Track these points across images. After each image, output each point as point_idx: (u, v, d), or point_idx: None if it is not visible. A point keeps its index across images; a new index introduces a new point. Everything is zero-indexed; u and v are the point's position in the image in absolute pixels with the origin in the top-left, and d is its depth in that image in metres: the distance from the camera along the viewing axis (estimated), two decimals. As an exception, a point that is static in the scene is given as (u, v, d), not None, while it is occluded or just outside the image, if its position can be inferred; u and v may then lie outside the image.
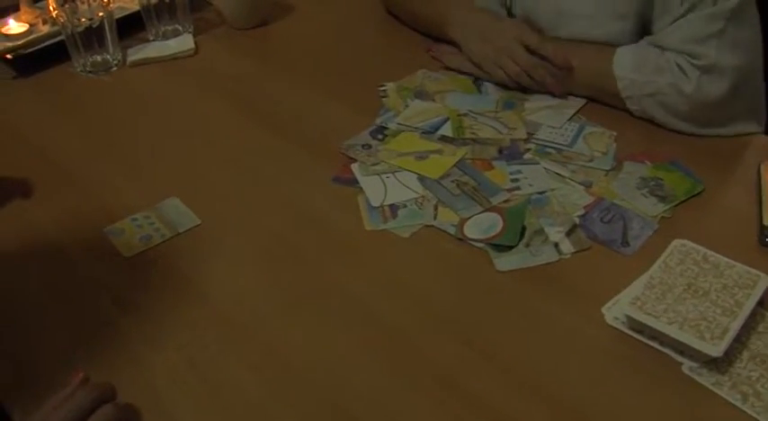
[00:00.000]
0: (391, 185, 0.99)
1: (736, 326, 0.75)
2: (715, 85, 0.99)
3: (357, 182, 1.01)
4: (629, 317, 0.79)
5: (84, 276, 0.89)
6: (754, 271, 0.81)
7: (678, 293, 0.79)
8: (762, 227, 0.89)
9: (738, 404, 0.73)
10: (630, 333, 0.79)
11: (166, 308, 0.85)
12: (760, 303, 0.79)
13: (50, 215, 0.99)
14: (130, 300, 0.86)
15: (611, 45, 1.07)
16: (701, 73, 0.99)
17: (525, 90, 1.15)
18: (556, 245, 0.89)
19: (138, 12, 1.33)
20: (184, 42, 1.32)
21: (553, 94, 1.13)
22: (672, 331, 0.75)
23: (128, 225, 0.96)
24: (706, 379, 0.75)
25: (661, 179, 0.97)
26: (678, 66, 1.01)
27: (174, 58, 1.30)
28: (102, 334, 0.82)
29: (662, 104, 1.03)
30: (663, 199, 0.94)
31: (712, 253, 0.83)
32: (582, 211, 0.93)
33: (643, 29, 1.07)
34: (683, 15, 1.00)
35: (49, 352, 0.80)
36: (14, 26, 1.33)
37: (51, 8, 1.23)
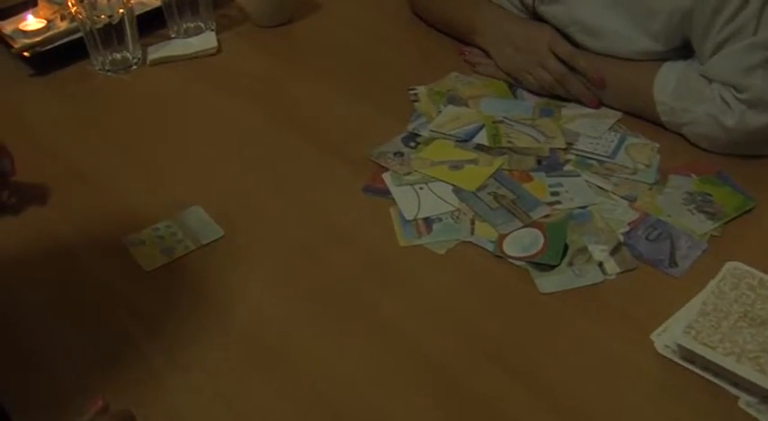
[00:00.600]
0: (425, 197, 0.95)
1: (798, 359, 0.71)
2: (758, 118, 0.94)
3: (389, 193, 0.96)
4: (680, 347, 0.74)
5: (103, 290, 0.85)
6: (815, 298, 0.76)
7: (734, 321, 0.74)
8: (819, 248, 0.84)
9: (800, 443, 0.68)
10: (682, 362, 0.75)
11: (190, 326, 0.81)
12: (820, 332, 0.75)
13: (66, 221, 0.95)
14: (152, 318, 0.82)
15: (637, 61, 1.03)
16: (747, 107, 0.94)
17: (563, 97, 1.10)
18: (600, 264, 0.85)
19: (160, 8, 1.29)
20: (207, 40, 1.28)
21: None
22: (729, 364, 0.71)
23: (148, 235, 0.92)
24: (765, 415, 0.70)
25: (709, 194, 0.93)
26: (722, 98, 0.96)
27: (196, 57, 1.26)
28: (122, 353, 0.78)
29: (700, 134, 0.99)
30: (712, 216, 0.90)
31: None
32: (626, 228, 0.89)
33: (676, 50, 1.02)
34: (723, 41, 0.94)
35: (66, 371, 0.77)
36: (32, 22, 1.29)
37: (70, 4, 1.18)
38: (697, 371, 0.74)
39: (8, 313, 0.83)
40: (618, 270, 0.84)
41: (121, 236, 0.92)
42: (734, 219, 0.90)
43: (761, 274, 0.79)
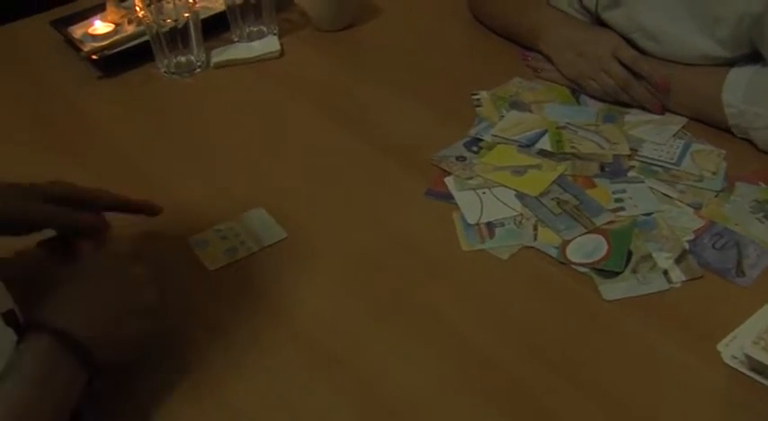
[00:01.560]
0: (488, 202, 0.95)
1: None
2: None
3: (452, 197, 0.96)
4: (749, 358, 0.73)
5: (167, 289, 0.86)
6: None
7: (806, 334, 0.73)
8: None
9: None
10: (751, 374, 0.73)
11: (251, 328, 0.82)
12: None
13: (132, 221, 0.97)
14: (215, 317, 0.83)
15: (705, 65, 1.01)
16: None
17: (626, 103, 1.09)
18: (665, 272, 0.84)
19: (223, 12, 1.31)
20: (270, 44, 1.29)
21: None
22: (801, 376, 0.70)
23: (212, 236, 0.93)
24: (835, 429, 0.69)
25: (779, 203, 0.91)
26: None
27: (259, 61, 1.27)
28: (185, 353, 0.79)
29: None
30: (781, 224, 0.88)
31: (842, 289, 0.77)
32: (692, 236, 0.88)
33: (744, 55, 1.00)
34: None
35: (131, 369, 0.77)
36: (100, 26, 1.32)
37: (138, 8, 1.21)
38: (766, 383, 0.73)
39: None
40: (683, 278, 0.83)
41: (186, 236, 0.94)
42: (804, 228, 0.88)
43: (834, 286, 0.77)
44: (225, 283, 0.88)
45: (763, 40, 0.96)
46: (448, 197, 0.97)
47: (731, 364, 0.75)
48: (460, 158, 1.02)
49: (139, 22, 1.28)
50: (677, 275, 0.83)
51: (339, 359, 0.78)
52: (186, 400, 0.73)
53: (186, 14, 1.21)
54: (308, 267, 0.89)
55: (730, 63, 1.01)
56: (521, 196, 0.95)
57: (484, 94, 1.14)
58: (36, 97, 1.24)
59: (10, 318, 0.72)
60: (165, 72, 1.26)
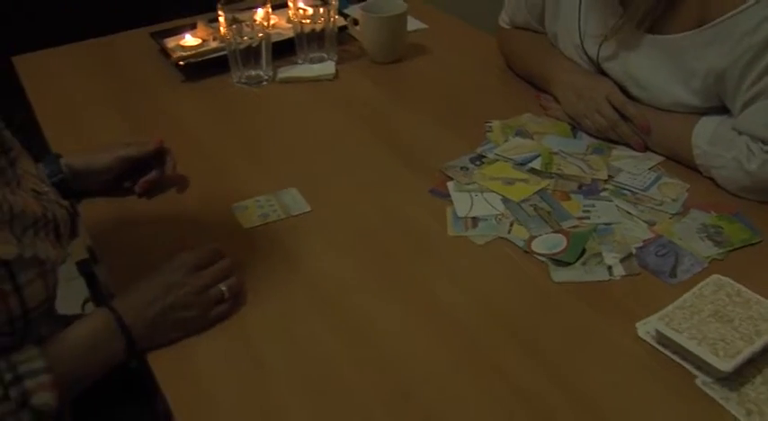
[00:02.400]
0: (477, 202, 1.14)
1: (750, 350, 0.85)
2: None
3: (449, 196, 1.16)
4: (657, 332, 0.89)
5: (211, 241, 1.08)
6: (781, 309, 0.90)
7: (704, 317, 0.89)
8: (805, 278, 0.97)
9: (742, 418, 0.82)
10: (658, 347, 0.90)
11: (271, 272, 1.02)
12: (785, 340, 0.88)
13: (196, 192, 1.20)
14: (244, 264, 1.03)
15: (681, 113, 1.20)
16: None
17: (614, 141, 1.27)
18: (609, 267, 1.01)
19: (292, 38, 1.55)
20: (327, 67, 1.52)
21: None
22: (690, 345, 0.86)
23: (251, 204, 1.15)
24: (717, 392, 0.84)
25: (721, 227, 1.07)
26: (747, 147, 1.11)
27: (317, 80, 1.51)
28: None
29: (727, 177, 1.14)
30: (718, 243, 1.04)
31: (746, 289, 0.93)
32: (640, 244, 1.05)
33: (714, 106, 1.18)
34: (751, 99, 1.10)
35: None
36: (189, 40, 1.58)
37: (221, 28, 1.46)
38: (669, 354, 0.89)
39: (145, 252, 1.08)
40: (623, 273, 1.00)
41: (230, 203, 1.15)
42: (738, 248, 1.04)
43: (740, 286, 0.93)
44: (255, 240, 1.09)
45: (726, 94, 1.14)
46: (446, 196, 1.16)
47: (644, 338, 0.91)
48: (464, 169, 1.22)
49: (222, 39, 1.53)
50: (618, 271, 1.01)
51: (335, 302, 0.98)
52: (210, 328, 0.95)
53: (261, 36, 1.45)
54: (324, 235, 1.09)
55: (703, 112, 1.19)
56: (505, 200, 1.14)
57: (496, 123, 1.34)
58: (130, 92, 1.50)
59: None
60: (237, 82, 1.50)
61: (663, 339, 0.89)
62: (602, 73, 1.31)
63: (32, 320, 0.84)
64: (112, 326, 0.89)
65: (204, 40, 1.58)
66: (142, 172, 1.19)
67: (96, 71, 1.58)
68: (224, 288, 0.96)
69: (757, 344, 0.85)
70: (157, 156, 1.20)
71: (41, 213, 0.87)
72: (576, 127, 1.32)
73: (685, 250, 1.04)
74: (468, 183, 1.18)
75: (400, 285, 1.00)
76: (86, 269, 1.36)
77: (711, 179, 1.17)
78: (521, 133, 1.31)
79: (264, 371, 0.89)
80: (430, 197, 1.17)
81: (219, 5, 1.44)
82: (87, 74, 1.57)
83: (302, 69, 1.53)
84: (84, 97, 1.48)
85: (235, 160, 1.27)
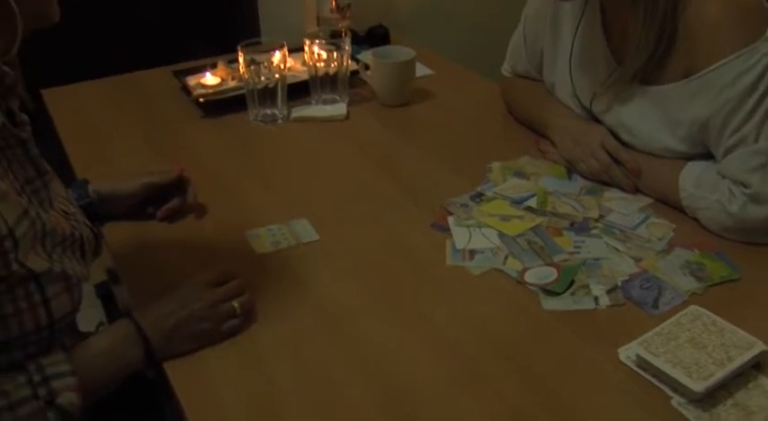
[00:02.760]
0: (475, 236, 1.23)
1: (722, 374, 0.92)
2: (757, 209, 1.17)
3: (449, 230, 1.24)
4: (638, 356, 0.97)
5: (225, 264, 1.16)
6: (753, 337, 0.97)
7: (680, 342, 0.97)
8: (779, 313, 1.05)
9: (713, 437, 0.89)
10: (638, 370, 0.98)
11: (281, 295, 1.11)
12: (756, 366, 0.96)
13: (213, 219, 1.29)
14: (257, 287, 1.11)
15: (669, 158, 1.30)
16: (748, 199, 1.18)
17: (607, 183, 1.36)
18: (596, 298, 1.09)
19: (306, 80, 1.65)
20: (339, 109, 1.63)
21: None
22: (667, 368, 0.94)
23: (264, 232, 1.24)
24: (690, 412, 0.92)
25: (704, 264, 1.16)
26: (730, 190, 1.20)
27: (329, 120, 1.61)
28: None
29: (710, 218, 1.22)
30: (700, 279, 1.13)
31: (721, 320, 1.01)
32: (626, 277, 1.13)
33: (699, 152, 1.27)
34: (732, 147, 1.19)
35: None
36: (210, 78, 1.69)
37: (241, 68, 1.56)
38: (647, 377, 0.97)
39: (164, 273, 1.17)
40: (609, 303, 1.08)
41: (244, 230, 1.24)
42: (718, 284, 1.12)
43: (716, 317, 1.01)
44: (267, 265, 1.17)
45: (710, 141, 1.23)
46: (447, 230, 1.25)
47: (626, 362, 0.99)
48: (464, 205, 1.31)
49: (241, 79, 1.63)
50: (604, 301, 1.09)
51: (341, 326, 1.06)
52: (224, 343, 1.03)
53: (277, 77, 1.56)
54: (332, 262, 1.18)
55: (689, 157, 1.28)
56: (501, 235, 1.23)
57: (496, 164, 1.43)
58: (153, 125, 1.60)
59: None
60: (254, 119, 1.60)
61: (642, 363, 0.97)
62: (596, 120, 1.41)
63: (57, 331, 0.93)
64: (133, 336, 0.98)
65: (223, 80, 1.69)
66: (164, 199, 1.28)
67: (121, 105, 1.68)
68: (236, 304, 1.05)
69: (728, 369, 0.93)
70: (179, 185, 1.29)
71: (70, 232, 0.96)
72: (571, 170, 1.41)
73: (668, 284, 1.12)
74: (468, 219, 1.27)
75: (402, 310, 1.08)
76: (104, 291, 1.45)
77: (696, 220, 1.26)
78: (519, 174, 1.40)
79: (274, 387, 0.96)
80: (431, 230, 1.25)
81: (240, 47, 1.54)
82: (112, 107, 1.68)
83: (315, 110, 1.63)
84: (109, 128, 1.58)
85: (250, 191, 1.37)
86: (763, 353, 0.96)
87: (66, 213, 1.01)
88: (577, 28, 1.39)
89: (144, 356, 0.98)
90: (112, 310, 1.45)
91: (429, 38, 1.98)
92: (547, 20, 1.47)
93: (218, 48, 1.82)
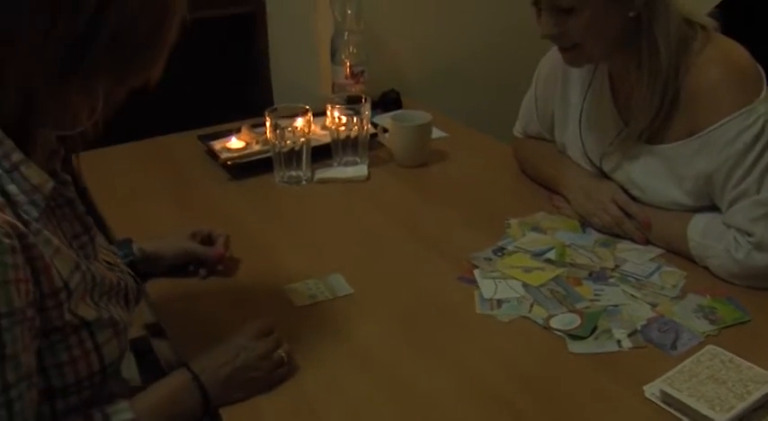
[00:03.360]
0: (501, 287, 1.33)
1: (742, 406, 1.02)
2: (762, 256, 1.28)
3: (476, 282, 1.34)
4: (661, 391, 1.07)
5: (265, 316, 1.25)
6: (768, 373, 1.07)
7: (701, 379, 1.07)
8: (789, 352, 1.15)
9: (735, 465, 0.98)
10: (662, 405, 1.07)
11: (322, 342, 1.20)
12: (773, 400, 1.06)
13: (251, 275, 1.39)
14: (299, 335, 1.21)
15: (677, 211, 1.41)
16: (753, 247, 1.29)
17: (619, 235, 1.47)
18: (618, 341, 1.19)
19: (329, 143, 1.77)
20: (360, 170, 1.74)
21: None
22: (691, 402, 1.03)
23: (301, 286, 1.34)
24: (713, 444, 1.01)
25: (715, 308, 1.26)
26: (735, 239, 1.31)
27: (351, 181, 1.72)
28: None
29: (719, 266, 1.33)
30: (713, 322, 1.23)
31: (739, 358, 1.10)
32: (645, 322, 1.23)
33: (705, 205, 1.39)
34: (735, 199, 1.31)
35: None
36: (235, 143, 1.80)
37: (267, 132, 1.68)
38: (673, 412, 1.06)
39: (208, 326, 1.26)
40: (630, 345, 1.18)
41: (283, 285, 1.34)
42: (730, 326, 1.22)
43: (733, 355, 1.11)
44: (306, 316, 1.27)
45: (714, 193, 1.35)
46: (474, 282, 1.35)
47: (650, 399, 1.08)
48: (487, 259, 1.41)
49: (265, 142, 1.75)
50: (626, 344, 1.19)
51: (382, 367, 1.15)
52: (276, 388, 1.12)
53: (302, 140, 1.67)
54: (367, 313, 1.27)
55: (696, 210, 1.39)
56: (525, 286, 1.33)
57: (514, 220, 1.54)
58: (181, 188, 1.71)
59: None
60: (280, 181, 1.71)
61: (666, 398, 1.06)
62: (606, 177, 1.52)
63: (108, 376, 1.01)
64: (190, 385, 1.06)
65: (248, 144, 1.80)
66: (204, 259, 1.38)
67: (151, 167, 1.79)
68: (283, 353, 1.14)
69: (748, 401, 1.03)
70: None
71: (116, 281, 1.06)
72: (584, 223, 1.52)
73: (684, 327, 1.22)
74: (492, 271, 1.37)
75: (437, 354, 1.18)
76: (141, 347, 1.53)
77: (706, 267, 1.36)
78: (536, 229, 1.51)
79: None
80: (459, 282, 1.35)
81: (267, 113, 1.66)
82: (141, 170, 1.79)
83: (338, 171, 1.74)
84: (140, 191, 1.68)
85: (282, 248, 1.47)
86: (778, 388, 1.06)
87: (110, 264, 1.10)
88: (587, 91, 1.52)
89: (201, 405, 1.06)
90: (147, 365, 1.52)
91: (438, 102, 2.10)
92: (557, 83, 1.59)
93: (234, 113, 1.95)
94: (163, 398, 1.05)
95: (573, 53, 1.39)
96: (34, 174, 0.90)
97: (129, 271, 1.15)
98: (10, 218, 0.84)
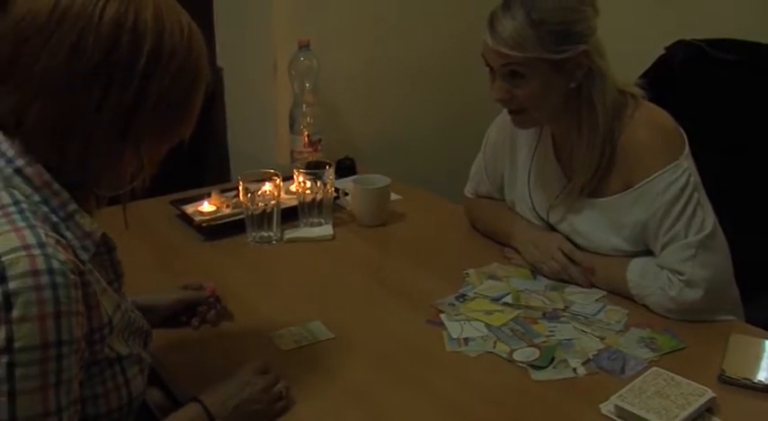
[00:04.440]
0: (466, 327, 1.51)
1: (684, 414, 1.21)
2: (692, 292, 1.50)
3: (443, 325, 1.53)
4: (616, 407, 1.25)
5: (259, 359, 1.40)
6: (704, 387, 1.27)
7: (649, 394, 1.26)
8: (721, 370, 1.35)
9: (682, 466, 1.17)
10: (617, 419, 1.25)
11: (312, 380, 1.35)
12: (709, 410, 1.25)
13: (238, 324, 1.54)
14: (290, 375, 1.35)
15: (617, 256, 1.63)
16: (684, 285, 1.51)
17: (566, 281, 1.67)
18: (574, 369, 1.38)
19: (296, 206, 1.94)
20: (326, 230, 1.92)
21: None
22: (642, 413, 1.22)
23: (286, 332, 1.49)
24: (663, 449, 1.20)
25: (655, 339, 1.46)
26: (668, 278, 1.53)
27: (318, 240, 1.89)
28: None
29: (656, 303, 1.55)
30: (653, 350, 1.43)
31: (678, 377, 1.30)
32: (596, 352, 1.43)
33: (641, 250, 1.61)
34: (667, 243, 1.53)
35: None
36: (206, 206, 1.97)
37: (240, 196, 1.84)
38: (626, 425, 1.25)
39: (203, 371, 1.40)
40: (585, 372, 1.37)
41: (268, 333, 1.49)
42: (667, 353, 1.42)
43: (673, 374, 1.31)
44: (294, 359, 1.42)
45: (649, 239, 1.57)
46: (441, 324, 1.53)
47: (607, 414, 1.27)
48: (451, 305, 1.60)
49: (235, 206, 1.92)
50: (581, 371, 1.38)
51: (367, 398, 1.31)
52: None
53: (272, 203, 1.85)
54: (348, 354, 1.44)
55: (634, 254, 1.61)
56: (488, 326, 1.51)
57: (471, 271, 1.73)
58: (159, 249, 1.85)
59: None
60: (252, 241, 1.87)
61: (621, 412, 1.25)
62: (553, 228, 1.74)
63: (132, 410, 1.15)
64: (203, 416, 1.20)
65: (218, 207, 1.97)
66: (193, 309, 1.53)
67: (124, 231, 1.92)
68: (282, 388, 1.29)
69: (689, 411, 1.22)
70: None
71: (141, 323, 1.21)
72: (535, 272, 1.72)
73: (630, 355, 1.42)
74: (457, 315, 1.56)
75: (414, 385, 1.35)
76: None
77: (644, 305, 1.57)
78: (492, 277, 1.71)
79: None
80: (427, 325, 1.53)
81: (240, 178, 1.83)
82: (116, 233, 1.91)
83: (305, 231, 1.92)
84: (123, 253, 1.81)
85: (262, 301, 1.62)
86: (712, 399, 1.26)
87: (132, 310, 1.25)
88: (533, 153, 1.74)
89: None
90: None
91: (389, 167, 2.29)
92: (505, 148, 1.82)
93: (193, 180, 2.12)
94: None
95: (520, 116, 1.61)
96: (87, 222, 1.06)
97: (141, 316, 1.29)
98: (72, 257, 1.00)
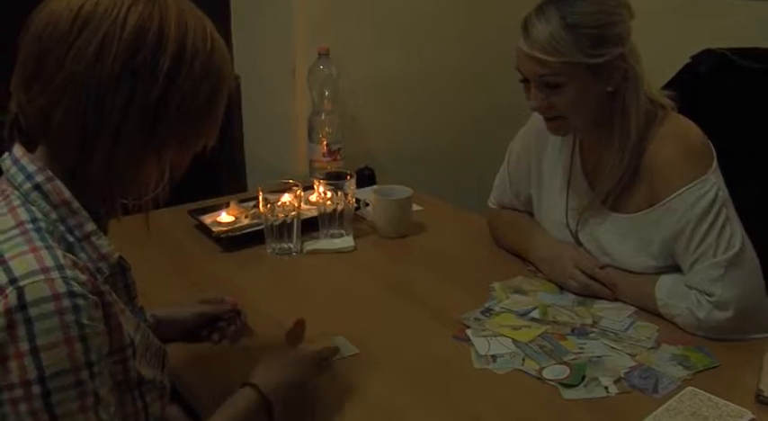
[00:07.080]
0: (493, 344, 1.49)
1: (721, 437, 1.19)
2: (722, 314, 1.48)
3: (470, 340, 1.51)
4: (649, 429, 1.23)
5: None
6: (742, 408, 1.25)
7: (686, 415, 1.24)
8: (758, 390, 1.33)
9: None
10: (651, 441, 1.24)
11: (341, 398, 1.34)
12: (746, 432, 1.24)
13: (258, 339, 1.52)
14: (314, 391, 1.33)
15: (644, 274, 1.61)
16: (713, 306, 1.49)
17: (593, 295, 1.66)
18: (606, 387, 1.36)
19: (316, 217, 1.93)
20: (346, 241, 1.90)
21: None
22: (677, 436, 1.20)
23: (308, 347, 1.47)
24: (701, 471, 1.18)
25: (688, 356, 1.44)
26: (697, 299, 1.51)
27: (338, 252, 1.87)
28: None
29: (685, 323, 1.53)
30: (687, 368, 1.41)
31: (715, 397, 1.28)
32: (627, 370, 1.40)
33: (670, 266, 1.59)
34: (695, 261, 1.51)
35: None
36: (224, 217, 1.95)
37: (261, 206, 1.83)
38: (660, 447, 1.23)
39: (225, 388, 1.38)
40: (617, 391, 1.35)
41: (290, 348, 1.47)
42: (701, 371, 1.40)
43: (710, 395, 1.29)
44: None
45: (677, 256, 1.55)
46: (467, 340, 1.51)
47: (641, 436, 1.25)
48: (477, 320, 1.58)
49: (254, 216, 1.90)
50: (613, 390, 1.35)
51: (393, 415, 1.29)
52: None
53: (293, 214, 1.83)
54: (373, 370, 1.42)
55: (662, 271, 1.59)
56: (515, 342, 1.49)
57: (497, 285, 1.72)
58: (177, 260, 1.84)
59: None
60: (271, 252, 1.85)
61: (654, 434, 1.23)
62: (579, 244, 1.72)
63: None
64: (260, 402, 1.21)
65: (236, 218, 1.95)
66: (214, 322, 1.51)
67: (143, 241, 1.90)
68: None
69: (726, 434, 1.20)
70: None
71: (158, 344, 1.19)
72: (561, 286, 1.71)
73: (662, 373, 1.39)
74: (483, 330, 1.54)
75: (444, 404, 1.33)
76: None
77: (673, 322, 1.55)
78: (519, 291, 1.69)
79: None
80: (454, 341, 1.51)
81: (259, 188, 1.82)
82: (135, 243, 1.90)
83: (326, 243, 1.90)
84: (137, 261, 1.79)
85: (283, 315, 1.59)
86: (751, 421, 1.24)
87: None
88: (569, 171, 1.72)
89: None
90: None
91: (409, 178, 2.28)
92: (531, 161, 1.80)
93: (208, 191, 2.11)
94: (239, 415, 1.19)
95: (557, 123, 1.59)
96: (104, 243, 1.05)
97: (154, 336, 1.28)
98: (90, 278, 0.98)
